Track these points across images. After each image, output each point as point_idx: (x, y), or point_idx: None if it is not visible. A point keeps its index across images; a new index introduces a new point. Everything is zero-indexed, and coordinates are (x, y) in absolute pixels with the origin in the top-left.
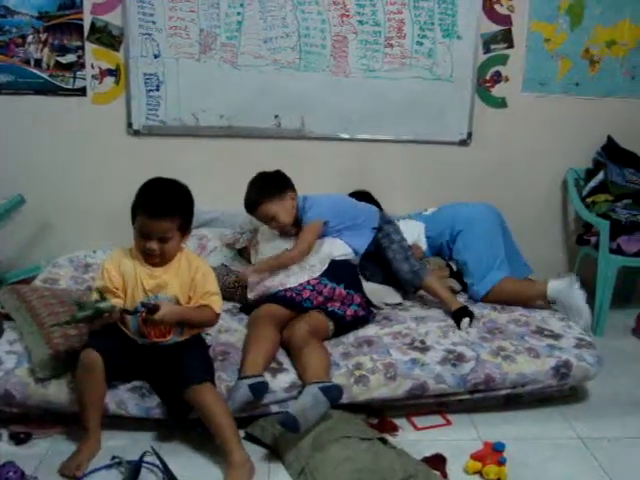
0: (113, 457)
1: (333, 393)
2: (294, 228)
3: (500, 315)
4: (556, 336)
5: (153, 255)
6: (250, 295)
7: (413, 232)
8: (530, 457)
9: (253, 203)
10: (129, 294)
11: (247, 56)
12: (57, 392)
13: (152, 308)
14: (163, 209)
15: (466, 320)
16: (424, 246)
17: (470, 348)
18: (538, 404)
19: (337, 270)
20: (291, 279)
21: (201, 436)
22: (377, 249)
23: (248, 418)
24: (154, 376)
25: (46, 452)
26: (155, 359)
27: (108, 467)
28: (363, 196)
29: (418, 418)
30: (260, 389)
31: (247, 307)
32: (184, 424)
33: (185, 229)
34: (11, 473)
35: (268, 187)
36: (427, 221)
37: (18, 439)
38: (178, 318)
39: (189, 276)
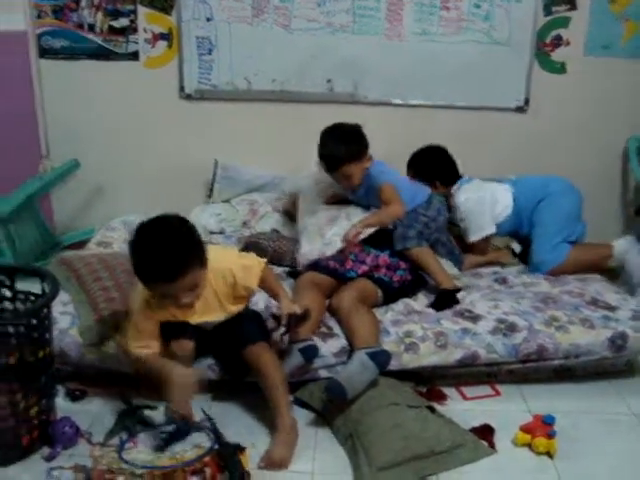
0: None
1: (381, 358)
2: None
3: (553, 286)
4: (612, 308)
5: (189, 304)
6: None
7: (501, 196)
8: (581, 431)
9: (337, 160)
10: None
11: (300, 19)
12: (111, 351)
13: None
14: (180, 265)
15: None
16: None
17: (522, 318)
18: (590, 378)
19: (380, 237)
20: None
21: (251, 399)
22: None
23: (297, 384)
24: (213, 341)
25: (100, 410)
26: (213, 333)
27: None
28: (438, 153)
29: (467, 388)
30: (310, 352)
31: (296, 272)
32: (240, 384)
33: (204, 260)
34: (67, 427)
35: (353, 146)
36: (515, 185)
37: (74, 396)
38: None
39: (230, 283)
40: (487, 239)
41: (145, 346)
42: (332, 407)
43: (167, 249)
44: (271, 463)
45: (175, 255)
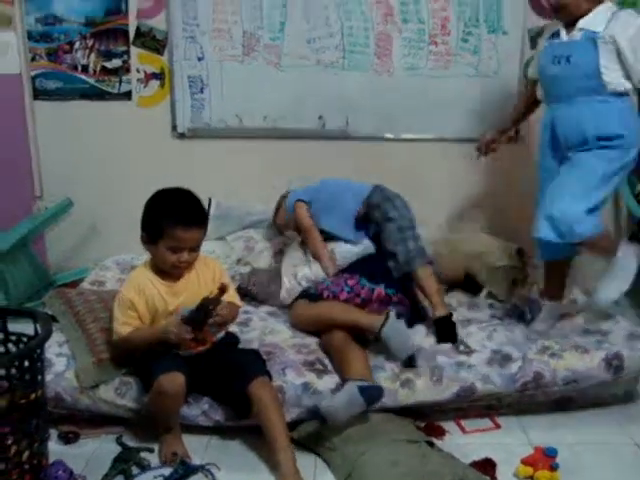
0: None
1: (372, 393)
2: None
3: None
4: (603, 332)
5: (182, 267)
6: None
7: None
8: (584, 463)
9: None
10: (154, 317)
11: (290, 57)
12: (106, 396)
13: (216, 301)
14: (197, 218)
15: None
16: None
17: (516, 348)
18: (590, 408)
19: (376, 269)
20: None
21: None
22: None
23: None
24: (208, 382)
25: (94, 452)
26: (206, 366)
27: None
28: None
29: (466, 421)
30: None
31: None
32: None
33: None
34: (60, 472)
35: None
36: None
37: (67, 439)
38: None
39: (211, 277)
40: None
41: (129, 324)
42: (330, 446)
43: (193, 200)
44: None
45: (199, 206)
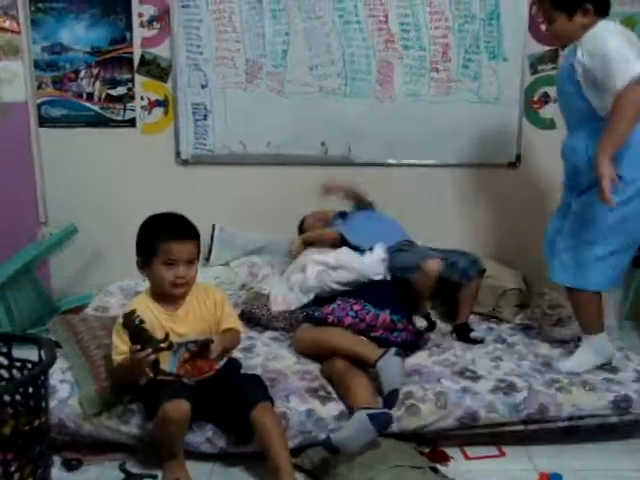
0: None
1: (382, 420)
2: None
3: (553, 347)
4: (613, 369)
5: (181, 285)
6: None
7: None
8: None
9: None
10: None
11: (293, 84)
12: (109, 423)
13: (204, 343)
14: (189, 230)
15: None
16: None
17: (522, 379)
18: (597, 435)
19: (382, 294)
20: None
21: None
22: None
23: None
24: (211, 408)
25: (97, 479)
26: (209, 392)
27: None
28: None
29: (470, 448)
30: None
31: (314, 319)
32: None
33: (199, 256)
34: None
35: None
36: None
37: (70, 465)
38: (224, 347)
39: (212, 303)
40: None
41: (125, 352)
42: (334, 473)
43: (182, 217)
44: None
45: (188, 221)
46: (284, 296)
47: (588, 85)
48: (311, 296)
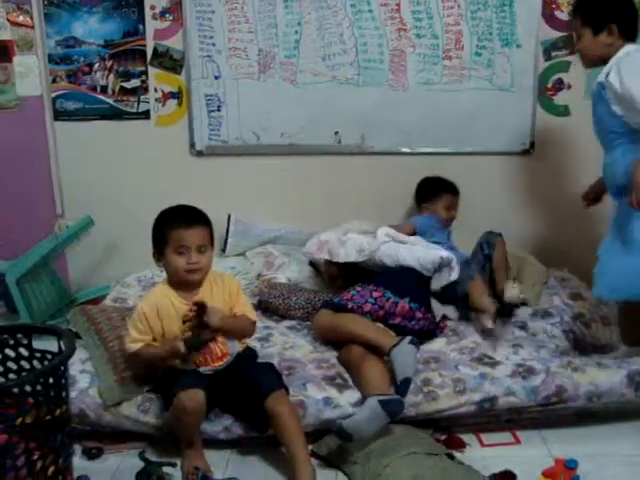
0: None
1: (393, 407)
2: None
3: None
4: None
5: (196, 270)
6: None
7: None
8: (605, 475)
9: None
10: (173, 334)
11: (306, 74)
12: (129, 413)
13: (199, 303)
14: (197, 216)
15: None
16: None
17: (540, 362)
18: (613, 420)
19: (402, 282)
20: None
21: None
22: None
23: (313, 434)
24: (228, 398)
25: (117, 467)
26: (225, 382)
27: None
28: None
29: (486, 435)
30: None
31: (330, 304)
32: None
33: (212, 244)
34: None
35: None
36: None
37: (90, 454)
38: (226, 323)
39: (227, 292)
40: None
41: (140, 340)
42: (351, 460)
43: (191, 206)
44: None
45: (197, 209)
46: (329, 243)
47: (617, 101)
48: (360, 259)
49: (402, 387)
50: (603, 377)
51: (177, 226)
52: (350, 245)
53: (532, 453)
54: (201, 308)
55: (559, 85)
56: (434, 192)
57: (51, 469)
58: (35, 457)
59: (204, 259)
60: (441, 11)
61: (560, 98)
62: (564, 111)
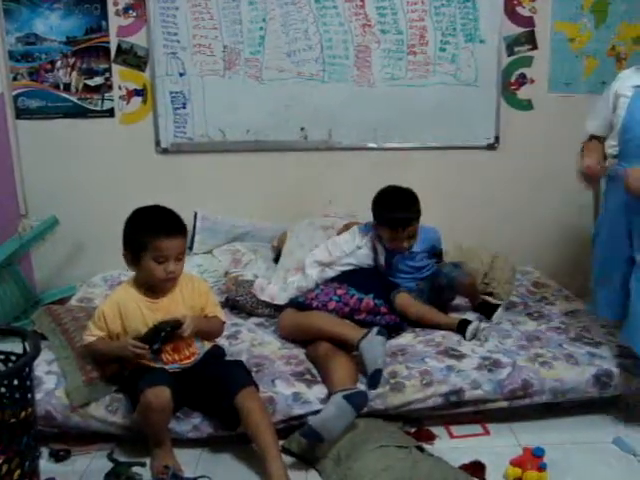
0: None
1: (357, 399)
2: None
3: (539, 323)
4: (596, 344)
5: (171, 279)
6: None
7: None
8: (571, 463)
9: (408, 220)
10: (137, 332)
11: (271, 70)
12: (97, 414)
13: (174, 325)
14: (178, 226)
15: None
16: None
17: (507, 356)
18: (579, 410)
19: (365, 279)
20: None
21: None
22: None
23: (283, 430)
24: (197, 396)
25: (86, 469)
26: (194, 380)
27: None
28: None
29: (455, 427)
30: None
31: (298, 304)
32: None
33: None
34: None
35: (418, 205)
36: None
37: (58, 456)
38: (198, 327)
39: (197, 293)
40: None
41: (95, 335)
42: (321, 454)
43: (171, 212)
44: None
45: (177, 216)
46: (273, 290)
47: None
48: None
49: (374, 379)
50: (570, 375)
51: (158, 235)
52: (290, 289)
53: (501, 443)
54: (175, 327)
55: (522, 80)
56: (377, 217)
57: (17, 473)
58: (0, 461)
59: (180, 266)
60: (405, 7)
61: (523, 92)
62: (527, 105)
